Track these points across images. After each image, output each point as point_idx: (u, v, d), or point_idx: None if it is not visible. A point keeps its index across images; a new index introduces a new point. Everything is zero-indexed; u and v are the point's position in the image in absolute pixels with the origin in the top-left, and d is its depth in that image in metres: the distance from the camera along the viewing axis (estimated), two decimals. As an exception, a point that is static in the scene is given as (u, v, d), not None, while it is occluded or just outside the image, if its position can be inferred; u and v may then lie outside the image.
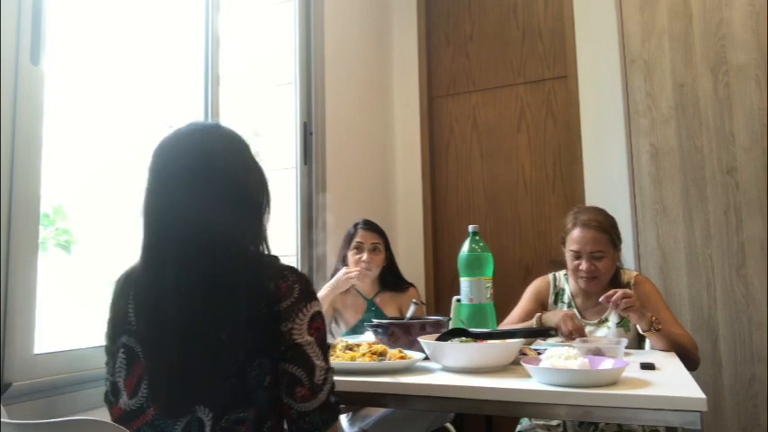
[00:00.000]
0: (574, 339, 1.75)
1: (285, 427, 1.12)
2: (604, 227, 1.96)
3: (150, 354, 1.09)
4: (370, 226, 2.38)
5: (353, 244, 2.34)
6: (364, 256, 2.29)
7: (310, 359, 1.08)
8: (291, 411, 1.08)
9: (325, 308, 2.21)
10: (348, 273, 2.18)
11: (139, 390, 1.08)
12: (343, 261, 2.38)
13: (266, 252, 1.17)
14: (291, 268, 1.14)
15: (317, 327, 1.11)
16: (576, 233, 1.97)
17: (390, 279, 2.41)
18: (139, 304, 1.12)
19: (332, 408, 1.10)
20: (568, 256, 2.00)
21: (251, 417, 1.06)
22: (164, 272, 1.10)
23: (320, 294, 2.20)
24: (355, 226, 2.39)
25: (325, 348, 1.12)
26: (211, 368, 1.05)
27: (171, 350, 1.07)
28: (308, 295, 1.11)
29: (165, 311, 1.08)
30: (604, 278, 1.95)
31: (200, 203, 1.11)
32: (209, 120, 2.24)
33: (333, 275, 2.34)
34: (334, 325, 2.38)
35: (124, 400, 1.09)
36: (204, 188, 1.12)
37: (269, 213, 1.19)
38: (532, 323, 1.90)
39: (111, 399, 1.13)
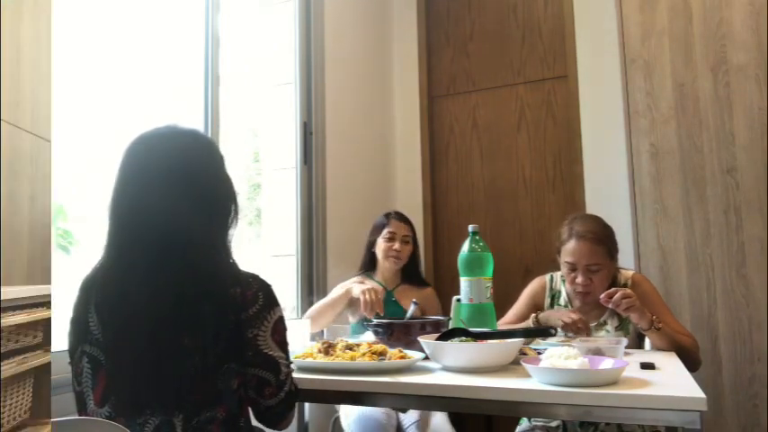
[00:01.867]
0: (578, 330, 1.76)
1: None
2: (601, 238, 1.89)
3: (113, 351, 1.09)
4: (403, 217, 2.45)
5: (386, 233, 2.38)
6: (396, 245, 2.35)
7: (276, 362, 1.14)
8: (259, 406, 1.16)
9: (340, 309, 2.26)
10: (364, 301, 2.10)
11: (108, 398, 1.08)
12: (371, 248, 2.43)
13: (231, 260, 1.20)
14: (254, 275, 1.17)
15: (280, 330, 1.16)
16: (571, 245, 1.90)
17: (413, 273, 2.47)
18: (105, 302, 1.12)
19: (293, 395, 1.19)
20: (564, 267, 1.94)
21: (221, 416, 1.09)
22: (133, 272, 1.11)
23: (334, 296, 2.27)
24: (387, 216, 2.44)
25: (286, 346, 1.18)
26: (174, 371, 1.06)
27: (134, 349, 1.08)
28: (271, 302, 1.16)
29: (132, 311, 1.09)
30: (599, 291, 1.86)
31: (174, 207, 1.13)
32: (209, 119, 2.25)
33: (363, 262, 2.46)
34: (347, 312, 2.38)
35: (92, 409, 1.09)
36: (179, 193, 1.14)
37: (236, 226, 1.23)
38: (529, 323, 1.88)
39: (78, 408, 1.13)
